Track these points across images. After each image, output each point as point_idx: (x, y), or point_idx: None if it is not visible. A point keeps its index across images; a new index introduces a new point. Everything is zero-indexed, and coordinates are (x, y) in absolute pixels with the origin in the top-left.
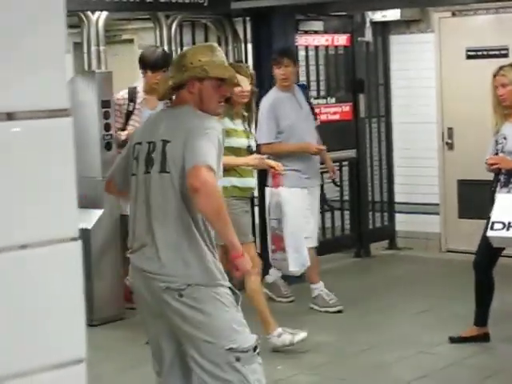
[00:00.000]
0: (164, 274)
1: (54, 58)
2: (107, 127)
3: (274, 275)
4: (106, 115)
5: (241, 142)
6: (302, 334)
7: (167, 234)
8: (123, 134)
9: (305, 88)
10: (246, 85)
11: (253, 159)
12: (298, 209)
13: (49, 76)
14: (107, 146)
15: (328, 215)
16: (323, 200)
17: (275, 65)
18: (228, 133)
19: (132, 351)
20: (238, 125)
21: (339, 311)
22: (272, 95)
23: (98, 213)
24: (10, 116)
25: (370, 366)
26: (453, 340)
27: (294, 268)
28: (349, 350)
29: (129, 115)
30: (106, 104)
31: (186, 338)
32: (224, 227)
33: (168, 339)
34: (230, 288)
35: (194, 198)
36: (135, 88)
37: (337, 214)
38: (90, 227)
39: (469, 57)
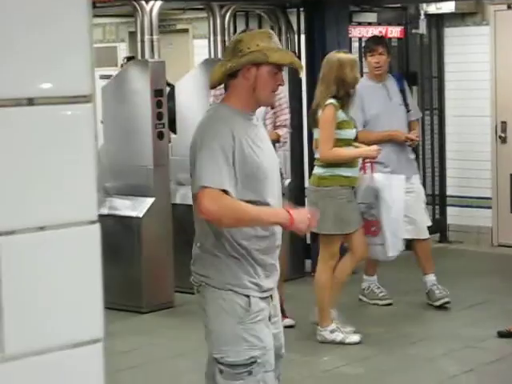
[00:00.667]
0: (193, 269)
1: (77, 44)
2: (160, 116)
3: (367, 281)
4: (159, 104)
5: (352, 132)
6: (355, 338)
7: (197, 231)
8: None
9: (401, 77)
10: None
11: (369, 150)
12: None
13: (70, 62)
14: (159, 135)
15: None
16: None
17: (369, 52)
18: (341, 124)
19: (182, 338)
20: (348, 115)
21: (389, 304)
22: (361, 84)
23: (149, 201)
24: (30, 101)
25: (416, 359)
26: (501, 334)
27: (393, 253)
28: (396, 343)
29: None
30: (158, 93)
31: None
32: (255, 222)
33: None
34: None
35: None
36: None
37: None
38: (140, 215)
39: None
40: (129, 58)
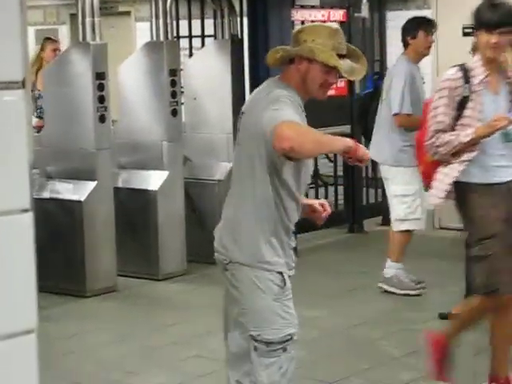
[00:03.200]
0: (219, 246)
1: (7, 29)
2: (101, 99)
3: (392, 267)
4: (101, 87)
5: None
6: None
7: (228, 208)
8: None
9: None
10: None
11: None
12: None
13: (1, 48)
14: (101, 119)
15: (322, 190)
16: (316, 175)
17: (425, 31)
18: None
19: (123, 323)
20: None
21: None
22: (406, 66)
23: (91, 185)
24: None
25: (359, 341)
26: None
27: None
28: (339, 326)
29: (463, 103)
30: (100, 76)
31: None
32: (331, 145)
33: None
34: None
35: (294, 156)
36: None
37: (330, 189)
38: (82, 199)
39: (465, 34)
40: (46, 39)
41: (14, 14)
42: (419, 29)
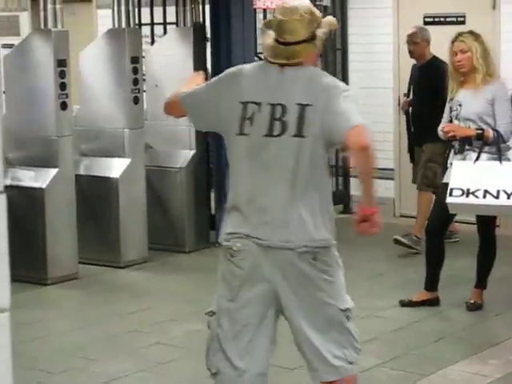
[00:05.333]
0: (296, 239)
1: None
2: (63, 86)
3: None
4: (62, 74)
5: None
6: None
7: (294, 196)
8: None
9: None
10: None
11: None
12: None
13: None
14: (62, 106)
15: None
16: None
17: None
18: None
19: (85, 311)
20: None
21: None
22: None
23: (52, 172)
24: None
25: None
26: (403, 304)
27: None
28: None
29: None
30: (61, 63)
31: (300, 301)
32: (373, 183)
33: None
34: None
35: (359, 156)
36: None
37: None
38: (44, 186)
39: (426, 23)
40: None
41: None
42: None
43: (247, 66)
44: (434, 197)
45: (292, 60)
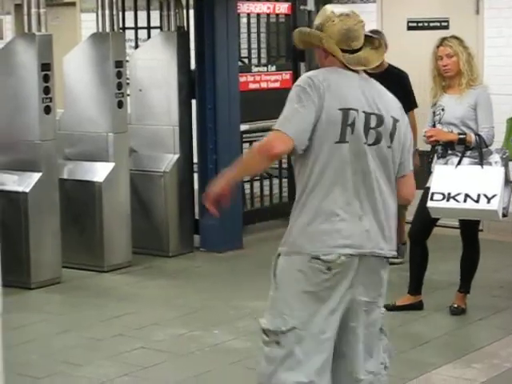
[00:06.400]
0: (388, 246)
1: None
2: (47, 90)
3: None
4: (46, 78)
5: None
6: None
7: (390, 205)
8: None
9: None
10: None
11: None
12: None
13: None
14: (46, 110)
15: (266, 182)
16: None
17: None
18: None
19: (68, 315)
20: None
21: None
22: None
23: (36, 176)
24: None
25: None
26: (387, 308)
27: None
28: None
29: None
30: (45, 67)
31: (370, 308)
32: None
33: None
34: None
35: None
36: None
37: (275, 181)
38: (27, 190)
39: (410, 28)
40: None
41: None
42: None
43: (321, 73)
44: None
45: (367, 67)
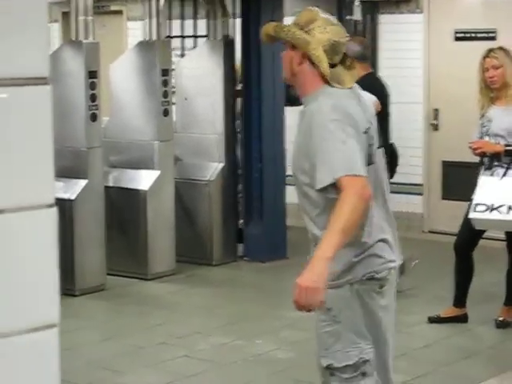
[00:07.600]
0: (399, 259)
1: (35, 27)
2: (93, 98)
3: None
4: (93, 86)
5: None
6: None
7: (386, 217)
8: None
9: None
10: None
11: None
12: None
13: (28, 44)
14: (92, 117)
15: None
16: None
17: None
18: None
19: (111, 322)
20: None
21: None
22: None
23: (82, 183)
24: None
25: None
26: (431, 320)
27: None
28: None
29: None
30: (92, 74)
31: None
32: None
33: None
34: None
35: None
36: None
37: None
38: (73, 197)
39: (457, 38)
40: None
41: (41, 10)
42: None
43: (338, 98)
44: None
45: (341, 86)
